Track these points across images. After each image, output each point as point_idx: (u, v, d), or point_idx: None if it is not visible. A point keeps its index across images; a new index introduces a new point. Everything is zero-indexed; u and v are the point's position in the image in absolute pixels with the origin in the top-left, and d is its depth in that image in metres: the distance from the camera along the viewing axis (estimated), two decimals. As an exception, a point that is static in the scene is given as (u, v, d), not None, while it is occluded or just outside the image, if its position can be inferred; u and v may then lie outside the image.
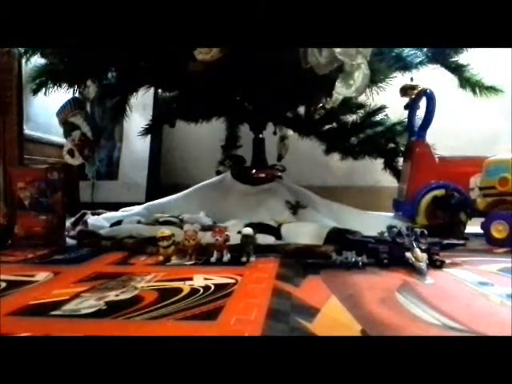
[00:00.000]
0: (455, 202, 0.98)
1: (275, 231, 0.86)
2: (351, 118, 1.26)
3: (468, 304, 0.47)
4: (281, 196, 1.07)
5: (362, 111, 1.25)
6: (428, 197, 1.02)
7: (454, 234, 0.94)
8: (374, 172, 1.47)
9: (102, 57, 0.91)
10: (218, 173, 1.33)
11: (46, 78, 0.99)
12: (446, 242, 0.73)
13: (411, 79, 1.10)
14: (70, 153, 1.03)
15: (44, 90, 1.00)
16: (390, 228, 0.71)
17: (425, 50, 1.03)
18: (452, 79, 1.11)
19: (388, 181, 1.35)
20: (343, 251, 0.67)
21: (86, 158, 1.04)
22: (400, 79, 1.05)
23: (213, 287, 0.53)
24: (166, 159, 1.85)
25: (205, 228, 0.83)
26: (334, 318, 0.42)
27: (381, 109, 1.23)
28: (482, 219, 0.94)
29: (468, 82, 1.10)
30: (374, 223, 0.94)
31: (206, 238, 0.74)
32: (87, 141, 1.02)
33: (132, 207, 1.22)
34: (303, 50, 0.72)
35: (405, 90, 1.12)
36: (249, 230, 0.72)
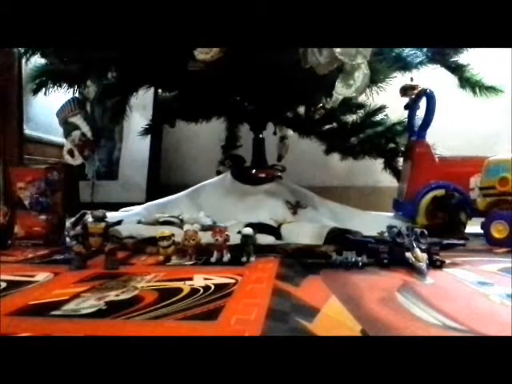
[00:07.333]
0: (455, 202, 0.98)
1: (275, 231, 0.86)
2: (351, 118, 1.26)
3: (468, 304, 0.47)
4: (281, 196, 1.07)
5: (361, 111, 1.24)
6: (428, 197, 1.02)
7: (454, 234, 0.94)
8: (374, 172, 1.48)
9: (102, 57, 0.91)
10: (218, 173, 1.33)
11: (45, 78, 0.99)
12: (445, 242, 0.73)
13: (411, 79, 1.10)
14: (70, 153, 1.03)
15: (44, 90, 1.00)
16: (389, 228, 0.71)
17: (425, 50, 1.03)
18: (452, 79, 1.12)
19: (388, 181, 1.35)
20: (343, 251, 0.67)
21: (86, 158, 1.04)
22: (400, 79, 1.05)
23: (213, 287, 0.53)
24: (166, 159, 1.85)
25: (205, 228, 0.83)
26: (333, 318, 0.42)
27: (381, 109, 1.23)
28: (482, 219, 0.94)
29: (468, 82, 1.10)
30: (373, 223, 0.94)
31: (206, 237, 0.74)
32: (87, 141, 1.02)
33: (132, 207, 1.23)
34: (303, 49, 0.72)
35: (405, 90, 1.12)
36: (249, 230, 0.72)
